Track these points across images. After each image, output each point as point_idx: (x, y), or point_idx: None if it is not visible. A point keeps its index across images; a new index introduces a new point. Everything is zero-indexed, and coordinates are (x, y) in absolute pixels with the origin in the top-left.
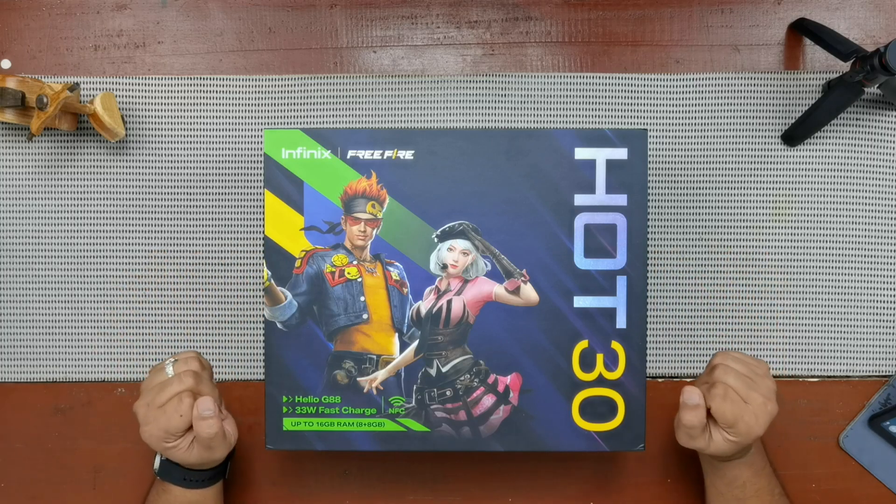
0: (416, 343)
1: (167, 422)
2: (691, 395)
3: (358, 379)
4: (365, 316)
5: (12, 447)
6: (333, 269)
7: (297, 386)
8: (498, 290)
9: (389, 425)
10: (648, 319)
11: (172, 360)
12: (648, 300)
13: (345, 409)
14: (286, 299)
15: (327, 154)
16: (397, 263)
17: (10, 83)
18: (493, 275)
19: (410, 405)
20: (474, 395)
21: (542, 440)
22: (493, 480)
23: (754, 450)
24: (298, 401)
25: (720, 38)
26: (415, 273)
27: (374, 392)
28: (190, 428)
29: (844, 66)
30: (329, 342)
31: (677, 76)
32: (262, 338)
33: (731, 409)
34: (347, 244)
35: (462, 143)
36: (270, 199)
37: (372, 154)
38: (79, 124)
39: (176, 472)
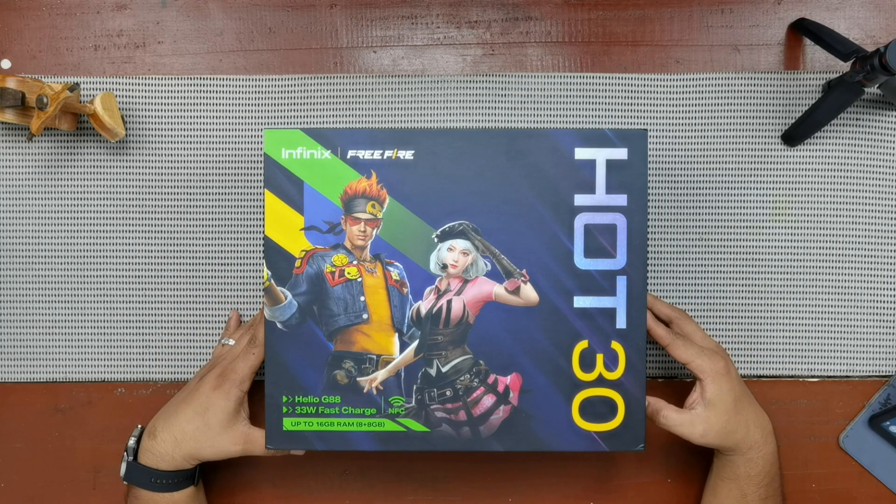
0: (416, 343)
1: (246, 363)
2: (649, 404)
3: (358, 379)
4: (365, 316)
5: (12, 447)
6: (333, 269)
7: (297, 386)
8: (498, 290)
9: (389, 425)
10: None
11: (226, 338)
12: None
13: (345, 409)
14: (286, 299)
15: (327, 154)
16: (397, 263)
17: (10, 83)
18: (493, 275)
19: (410, 405)
20: (474, 395)
21: (542, 440)
22: (493, 480)
23: (770, 452)
24: (298, 401)
25: (720, 38)
26: (415, 273)
27: (374, 392)
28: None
29: (844, 66)
30: (329, 342)
31: (677, 76)
32: None
33: (686, 349)
34: (347, 244)
35: (462, 143)
36: (270, 199)
37: (372, 154)
38: (79, 124)
39: (143, 475)
